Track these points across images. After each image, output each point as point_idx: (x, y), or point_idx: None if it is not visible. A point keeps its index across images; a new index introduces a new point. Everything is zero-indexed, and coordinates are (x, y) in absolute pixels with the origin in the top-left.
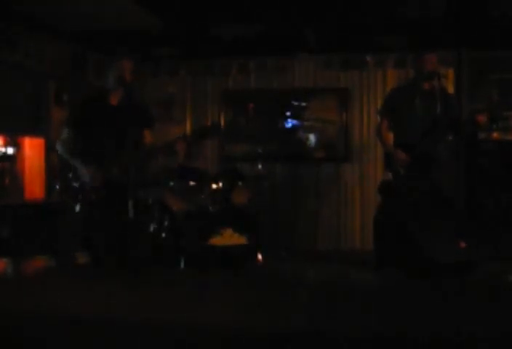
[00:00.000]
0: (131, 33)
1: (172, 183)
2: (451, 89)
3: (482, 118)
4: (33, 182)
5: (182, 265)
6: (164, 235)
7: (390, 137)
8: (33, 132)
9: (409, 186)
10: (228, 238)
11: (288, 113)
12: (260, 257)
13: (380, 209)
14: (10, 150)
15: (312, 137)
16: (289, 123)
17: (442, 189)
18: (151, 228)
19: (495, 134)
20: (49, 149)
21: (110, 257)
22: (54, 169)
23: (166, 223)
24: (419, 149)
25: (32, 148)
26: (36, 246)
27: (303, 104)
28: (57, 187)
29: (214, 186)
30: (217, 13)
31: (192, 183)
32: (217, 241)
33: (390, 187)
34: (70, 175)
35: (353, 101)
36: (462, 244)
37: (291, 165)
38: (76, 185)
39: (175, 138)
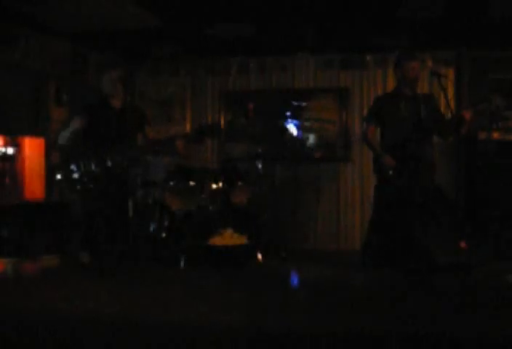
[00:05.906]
0: (131, 33)
1: (171, 183)
2: (451, 89)
3: (468, 114)
4: (33, 182)
5: (182, 264)
6: (163, 235)
7: (377, 141)
8: (33, 132)
9: (400, 187)
10: (228, 238)
11: (288, 113)
12: (260, 257)
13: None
14: (10, 150)
15: (312, 137)
16: (289, 123)
17: (430, 189)
18: (151, 228)
19: (495, 134)
20: (49, 149)
21: (108, 253)
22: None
23: (166, 223)
24: (406, 151)
25: (32, 148)
26: (37, 246)
27: (303, 104)
28: (58, 177)
29: (214, 186)
30: (217, 12)
31: (192, 183)
32: (217, 241)
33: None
34: (71, 166)
35: (353, 101)
36: (462, 244)
37: (291, 165)
38: (75, 176)
39: (175, 135)
